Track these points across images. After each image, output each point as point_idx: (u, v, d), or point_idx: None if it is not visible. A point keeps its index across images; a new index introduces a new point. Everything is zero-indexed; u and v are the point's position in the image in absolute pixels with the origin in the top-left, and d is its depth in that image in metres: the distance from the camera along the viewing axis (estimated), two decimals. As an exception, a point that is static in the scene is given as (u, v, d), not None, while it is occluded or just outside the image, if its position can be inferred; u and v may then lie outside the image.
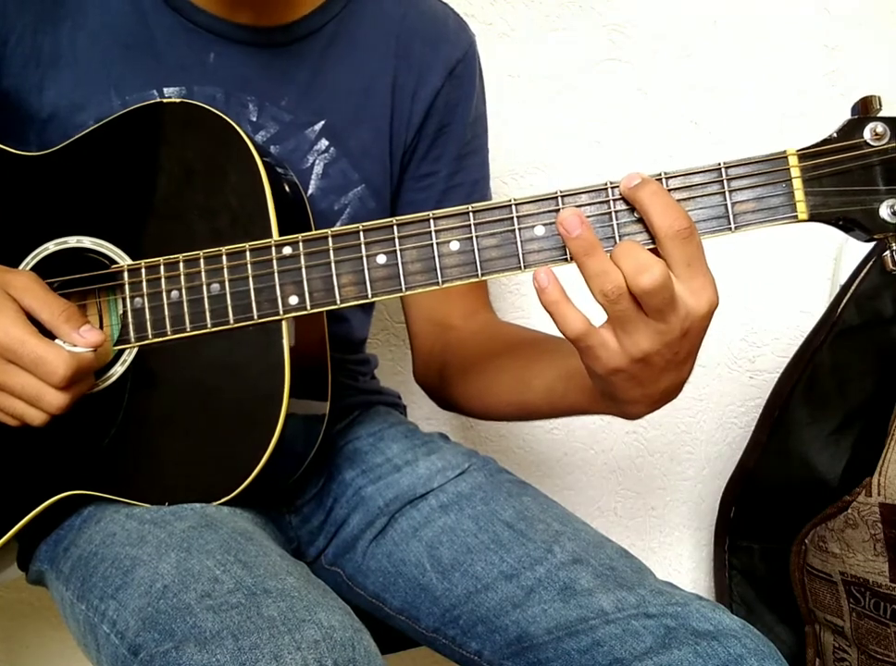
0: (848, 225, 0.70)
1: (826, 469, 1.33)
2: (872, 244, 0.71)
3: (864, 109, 0.69)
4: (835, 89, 1.51)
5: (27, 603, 1.49)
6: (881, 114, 0.68)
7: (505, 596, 0.82)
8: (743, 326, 1.56)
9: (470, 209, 0.72)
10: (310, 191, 0.94)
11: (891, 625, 1.23)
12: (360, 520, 0.94)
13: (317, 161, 0.94)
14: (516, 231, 0.72)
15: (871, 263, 1.31)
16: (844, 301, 1.32)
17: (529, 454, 1.57)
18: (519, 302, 1.50)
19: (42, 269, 0.81)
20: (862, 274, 1.32)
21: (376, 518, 0.93)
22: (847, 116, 0.70)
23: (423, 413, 1.18)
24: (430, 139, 1.00)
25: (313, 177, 0.94)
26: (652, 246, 0.68)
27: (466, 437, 1.54)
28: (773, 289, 1.54)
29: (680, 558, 1.65)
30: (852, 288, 1.32)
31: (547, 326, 0.72)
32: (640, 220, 0.69)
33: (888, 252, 0.69)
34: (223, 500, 0.80)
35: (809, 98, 1.50)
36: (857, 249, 1.35)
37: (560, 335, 0.70)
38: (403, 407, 1.15)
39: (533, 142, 1.47)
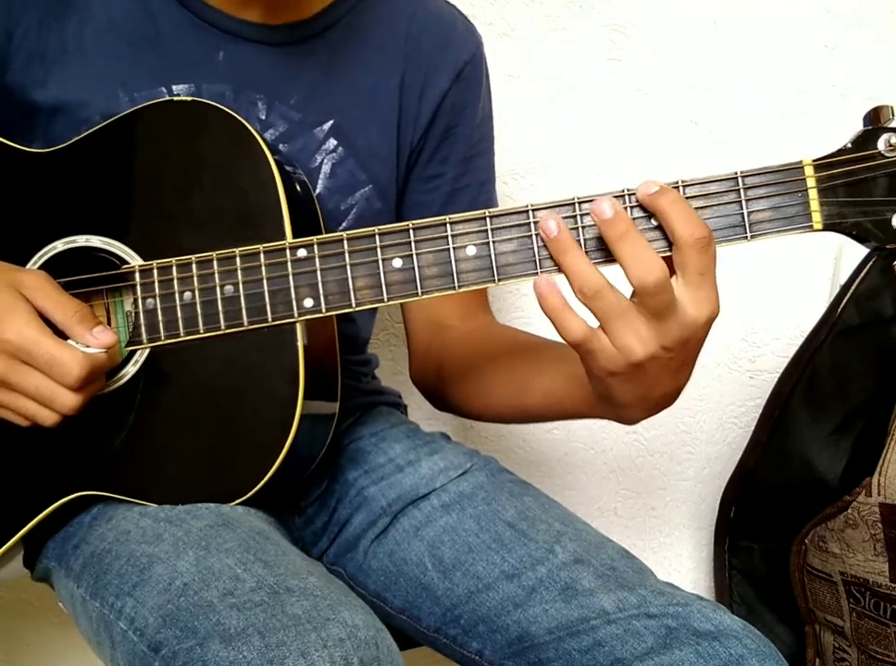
0: (861, 235, 0.70)
1: (826, 469, 1.33)
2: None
3: (877, 119, 0.69)
4: (835, 89, 1.51)
5: (27, 603, 1.49)
6: (894, 124, 0.69)
7: (507, 595, 0.82)
8: (743, 326, 1.56)
9: (487, 214, 0.73)
10: (317, 191, 0.94)
11: (891, 625, 1.23)
12: (363, 520, 0.94)
13: (325, 160, 0.94)
14: (533, 237, 0.72)
15: (871, 263, 1.31)
16: (844, 301, 1.32)
17: (530, 454, 1.57)
18: (519, 302, 1.50)
19: (49, 268, 0.81)
20: (862, 274, 1.32)
21: (378, 518, 0.93)
22: (849, 118, 0.71)
23: (424, 413, 1.18)
24: (437, 140, 1.00)
25: (321, 176, 0.94)
26: (668, 253, 0.69)
27: (466, 438, 1.54)
28: (773, 289, 1.54)
29: (680, 558, 1.65)
30: (852, 288, 1.32)
31: (548, 328, 0.72)
32: (658, 227, 0.70)
33: None
34: (237, 502, 0.80)
35: (809, 98, 1.50)
36: (857, 249, 1.35)
37: (558, 339, 0.71)
38: (404, 407, 1.15)
39: (533, 142, 1.47)
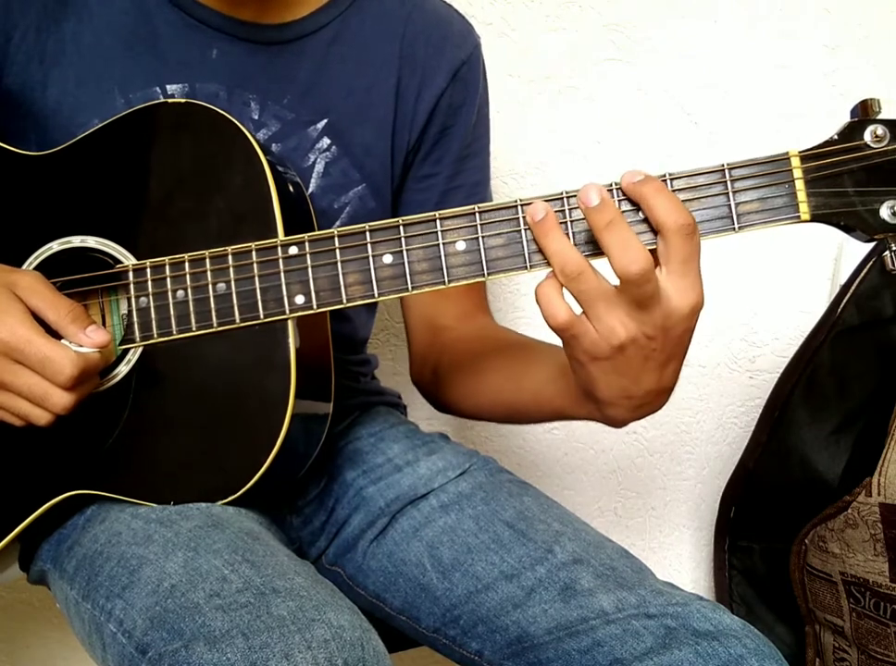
0: (849, 225, 0.70)
1: (826, 469, 1.33)
2: (872, 244, 0.72)
3: (864, 112, 0.70)
4: (835, 89, 1.51)
5: (27, 603, 1.49)
6: (881, 116, 0.69)
7: (506, 596, 0.82)
8: (743, 326, 1.56)
9: (476, 209, 0.73)
10: (310, 190, 0.94)
11: (891, 625, 1.23)
12: (361, 520, 0.94)
13: (319, 159, 0.94)
14: (522, 231, 0.72)
15: (871, 263, 1.31)
16: (844, 301, 1.32)
17: (529, 454, 1.57)
18: (519, 302, 1.50)
19: (45, 269, 0.81)
20: (862, 274, 1.32)
21: (377, 518, 0.93)
22: (847, 117, 0.71)
23: (423, 413, 1.18)
24: (433, 140, 1.00)
25: (314, 175, 0.94)
26: (653, 246, 0.69)
27: (466, 438, 1.54)
28: (773, 289, 1.55)
29: (680, 558, 1.65)
30: (852, 288, 1.32)
31: (548, 330, 0.72)
32: (645, 220, 0.70)
33: (888, 253, 0.70)
34: (228, 500, 0.80)
35: (809, 98, 1.50)
36: (857, 249, 1.35)
37: (551, 341, 0.71)
38: (403, 407, 1.15)
39: (533, 142, 1.47)
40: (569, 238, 0.71)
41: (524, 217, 0.72)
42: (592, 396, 0.76)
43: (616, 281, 0.68)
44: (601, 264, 0.70)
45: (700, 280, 0.69)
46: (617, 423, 0.78)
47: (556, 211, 0.71)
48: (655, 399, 0.75)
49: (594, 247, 0.71)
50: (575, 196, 0.71)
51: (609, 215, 0.68)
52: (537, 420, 0.93)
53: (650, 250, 0.68)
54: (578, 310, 0.70)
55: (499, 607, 0.82)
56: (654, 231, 0.69)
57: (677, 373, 0.74)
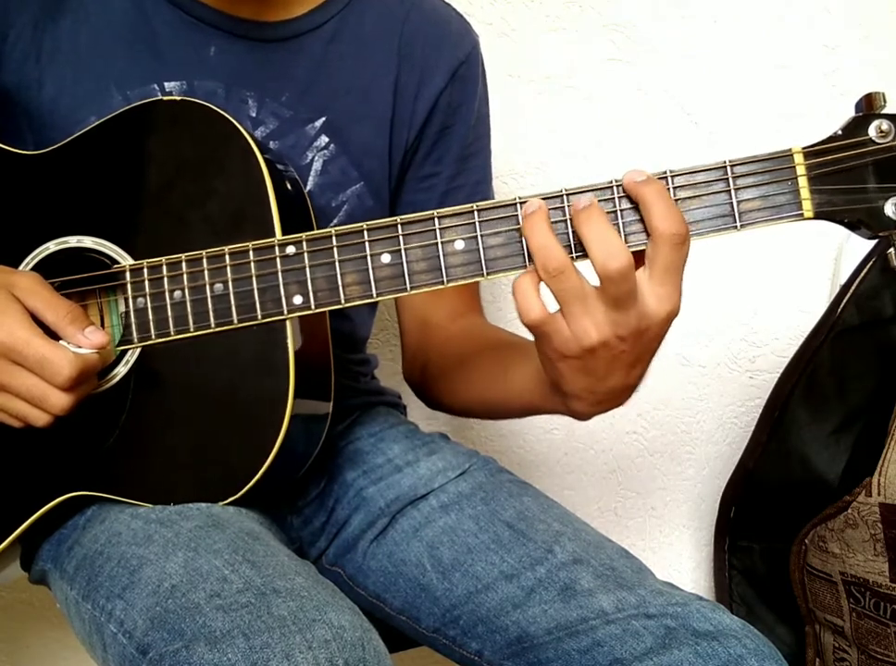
0: (853, 223, 0.69)
1: (826, 469, 1.33)
2: (872, 244, 0.71)
3: (869, 106, 0.69)
4: (835, 89, 1.51)
5: (27, 603, 1.49)
6: (885, 110, 0.68)
7: (506, 596, 0.82)
8: (743, 326, 1.56)
9: (475, 208, 0.72)
10: (308, 188, 0.94)
11: (891, 625, 1.23)
12: (361, 520, 0.94)
13: (317, 157, 0.94)
14: (522, 230, 0.71)
15: (871, 263, 1.31)
16: (844, 301, 1.32)
17: (529, 454, 1.57)
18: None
19: (42, 269, 0.81)
20: (862, 274, 1.32)
21: (377, 518, 0.93)
22: (849, 113, 0.70)
23: (423, 413, 1.18)
24: (432, 139, 1.00)
25: (311, 173, 0.94)
26: (643, 248, 0.69)
27: (466, 438, 1.54)
28: (773, 289, 1.54)
29: (680, 558, 1.65)
30: (852, 288, 1.32)
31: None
32: (641, 220, 0.69)
33: (891, 250, 0.69)
34: (228, 501, 0.80)
35: (809, 98, 1.50)
36: (857, 249, 1.35)
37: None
38: (403, 407, 1.15)
39: (533, 142, 1.47)
40: (567, 237, 0.71)
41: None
42: (559, 389, 0.76)
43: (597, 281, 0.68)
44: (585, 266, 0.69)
45: (679, 290, 0.69)
46: (580, 416, 0.78)
47: (555, 208, 0.71)
48: (618, 396, 0.75)
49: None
50: (575, 194, 0.70)
51: (592, 213, 0.68)
52: (511, 415, 0.95)
53: (638, 251, 0.68)
54: (552, 307, 0.70)
55: (499, 607, 0.82)
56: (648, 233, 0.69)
57: (642, 374, 0.74)
